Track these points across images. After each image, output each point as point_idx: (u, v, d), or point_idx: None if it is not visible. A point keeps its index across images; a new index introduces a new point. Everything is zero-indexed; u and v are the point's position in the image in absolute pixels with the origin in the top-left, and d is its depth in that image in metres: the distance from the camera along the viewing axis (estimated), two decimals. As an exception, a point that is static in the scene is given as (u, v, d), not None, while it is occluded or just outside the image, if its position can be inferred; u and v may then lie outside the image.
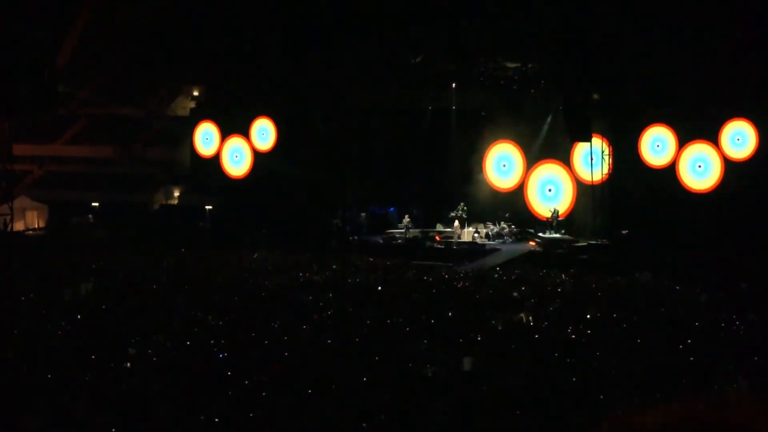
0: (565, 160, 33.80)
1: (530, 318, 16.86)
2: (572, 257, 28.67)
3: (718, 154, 31.80)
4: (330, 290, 20.17)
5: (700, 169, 32.21)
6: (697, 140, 32.13)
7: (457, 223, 32.69)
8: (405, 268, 25.66)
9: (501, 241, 32.61)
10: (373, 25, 33.29)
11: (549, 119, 34.03)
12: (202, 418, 10.42)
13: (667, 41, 30.85)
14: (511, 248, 31.17)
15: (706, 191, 32.05)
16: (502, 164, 35.09)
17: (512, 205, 34.45)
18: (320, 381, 11.96)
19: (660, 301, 19.12)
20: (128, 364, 12.79)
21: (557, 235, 32.13)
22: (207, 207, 38.09)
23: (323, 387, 11.74)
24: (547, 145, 34.23)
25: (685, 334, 15.14)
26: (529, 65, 33.72)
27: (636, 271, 23.91)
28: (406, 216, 33.52)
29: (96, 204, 39.98)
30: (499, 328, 16.04)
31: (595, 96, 32.31)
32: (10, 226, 33.88)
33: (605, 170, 31.85)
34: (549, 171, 34.30)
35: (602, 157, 31.62)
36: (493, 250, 30.57)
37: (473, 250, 30.84)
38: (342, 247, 30.98)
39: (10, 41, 32.07)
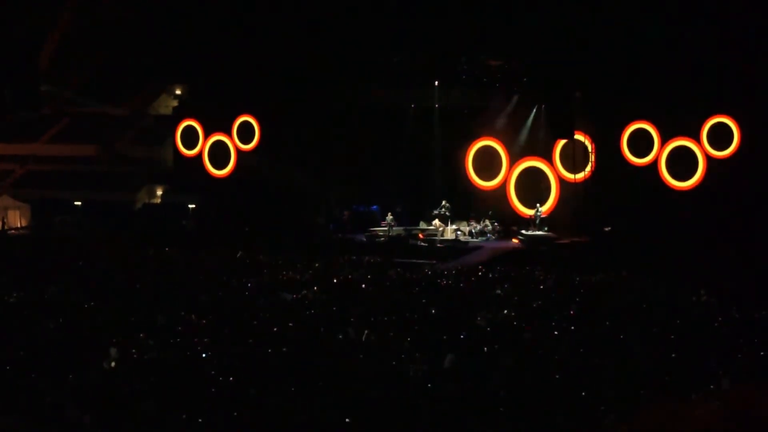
0: (548, 158, 33.97)
1: (513, 316, 16.89)
2: (555, 254, 28.80)
3: (701, 150, 31.93)
4: (313, 288, 20.15)
5: (681, 168, 32.32)
6: (679, 137, 32.25)
7: (438, 221, 32.79)
8: (387, 266, 25.64)
9: (484, 238, 32.69)
10: (355, 22, 33.26)
11: (531, 116, 34.18)
12: (184, 417, 10.43)
13: (649, 37, 30.89)
14: (494, 246, 31.27)
15: (688, 188, 32.22)
16: (484, 162, 35.19)
17: (495, 203, 34.55)
18: (304, 379, 11.99)
19: (643, 299, 19.19)
20: (112, 363, 12.77)
21: (540, 233, 32.24)
22: (190, 206, 38.05)
23: (307, 385, 11.76)
24: (529, 143, 34.39)
25: (668, 332, 15.23)
26: (512, 63, 33.73)
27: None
28: (389, 214, 33.56)
29: (78, 203, 39.79)
30: (483, 326, 16.07)
31: (578, 93, 32.38)
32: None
33: (588, 168, 32.03)
34: (532, 168, 34.39)
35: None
36: (476, 248, 30.65)
37: (456, 247, 30.93)
38: (325, 245, 30.99)
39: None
